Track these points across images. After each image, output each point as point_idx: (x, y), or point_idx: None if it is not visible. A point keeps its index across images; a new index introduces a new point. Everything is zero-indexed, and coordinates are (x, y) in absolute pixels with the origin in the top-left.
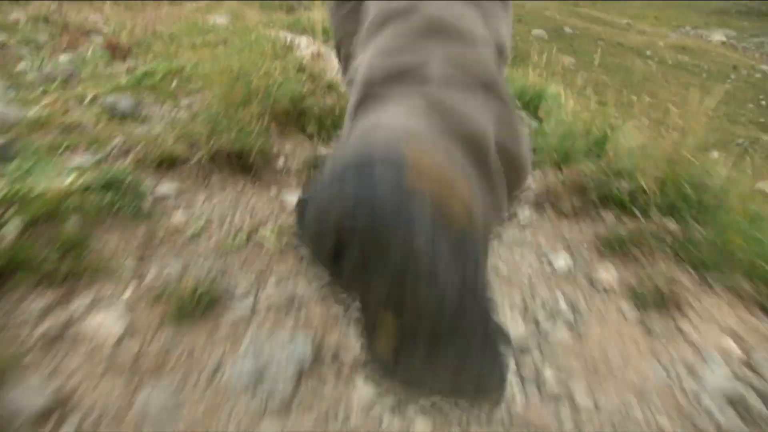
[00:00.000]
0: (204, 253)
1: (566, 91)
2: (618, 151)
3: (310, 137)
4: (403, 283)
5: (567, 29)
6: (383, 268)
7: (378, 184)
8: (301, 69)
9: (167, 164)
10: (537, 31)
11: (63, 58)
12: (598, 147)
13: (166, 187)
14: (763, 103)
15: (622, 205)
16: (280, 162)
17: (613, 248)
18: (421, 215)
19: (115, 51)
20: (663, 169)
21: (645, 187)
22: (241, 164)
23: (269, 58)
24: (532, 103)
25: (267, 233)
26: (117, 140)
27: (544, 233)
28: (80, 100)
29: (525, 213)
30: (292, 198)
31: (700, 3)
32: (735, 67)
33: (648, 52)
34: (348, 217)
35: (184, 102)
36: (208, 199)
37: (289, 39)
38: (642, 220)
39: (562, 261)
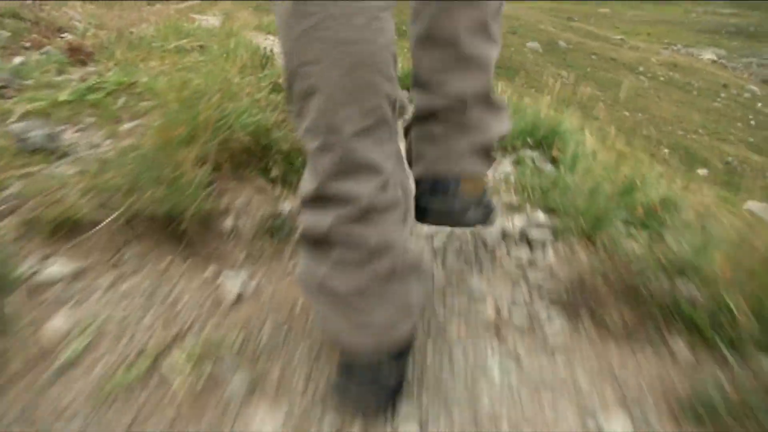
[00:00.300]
0: (71, 404)
1: (585, 125)
2: (672, 227)
3: (273, 182)
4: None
5: (561, 43)
6: (452, 222)
7: (452, 197)
8: (276, 88)
9: (67, 230)
10: (531, 44)
11: (17, 60)
12: (636, 214)
13: (57, 267)
14: (753, 122)
15: (695, 325)
16: (228, 223)
17: (697, 414)
18: (468, 202)
19: (75, 55)
20: (757, 280)
21: (733, 307)
22: (171, 230)
23: (242, 72)
24: (545, 141)
25: (181, 358)
26: (9, 189)
27: (583, 364)
28: (5, 118)
29: (554, 324)
30: (234, 282)
31: (692, 22)
32: (725, 86)
33: (640, 68)
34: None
35: (127, 127)
36: (114, 286)
37: (273, 47)
38: (731, 360)
39: (618, 429)
